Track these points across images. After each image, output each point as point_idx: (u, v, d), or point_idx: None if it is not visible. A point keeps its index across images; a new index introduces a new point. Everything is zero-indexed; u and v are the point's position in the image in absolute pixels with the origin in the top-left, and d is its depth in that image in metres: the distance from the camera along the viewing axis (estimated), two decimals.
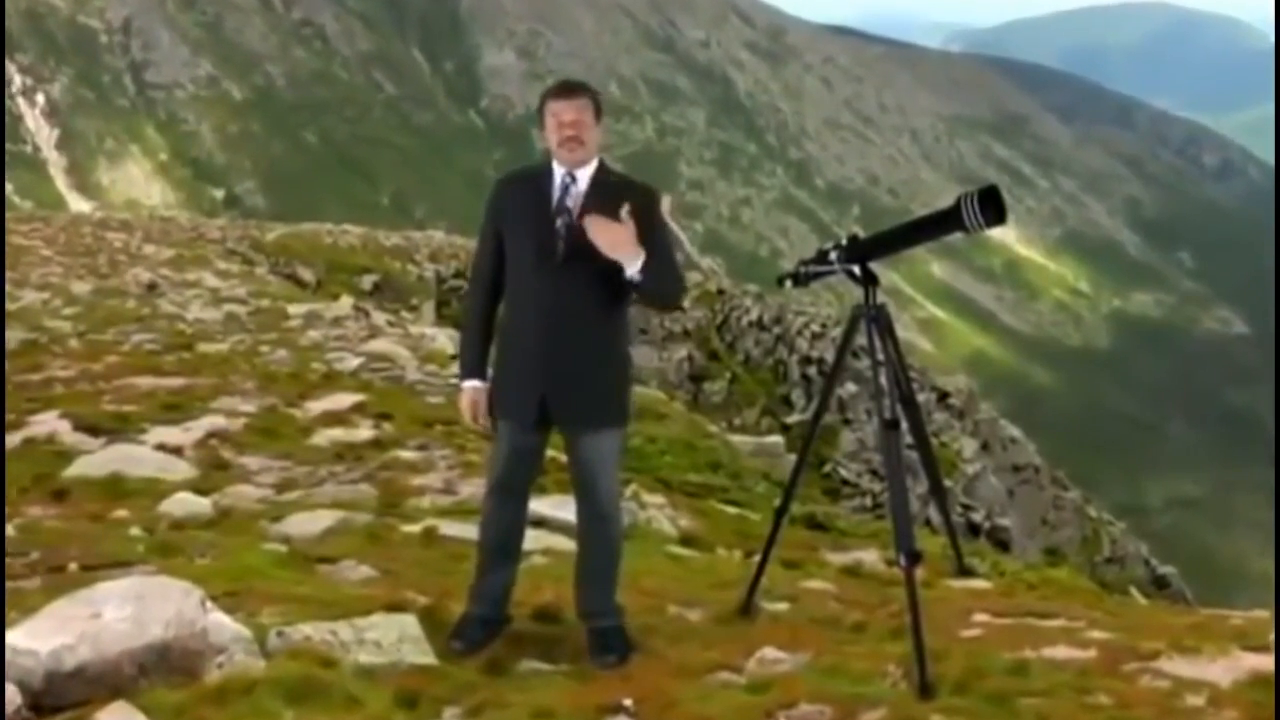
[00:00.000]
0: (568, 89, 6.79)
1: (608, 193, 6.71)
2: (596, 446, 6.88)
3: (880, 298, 6.90)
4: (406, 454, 13.86)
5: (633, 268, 6.56)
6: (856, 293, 6.89)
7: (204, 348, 21.61)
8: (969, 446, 46.20)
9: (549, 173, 6.78)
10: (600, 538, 7.02)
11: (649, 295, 6.79)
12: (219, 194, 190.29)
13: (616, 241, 6.53)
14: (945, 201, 6.69)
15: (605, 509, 6.98)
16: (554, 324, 6.66)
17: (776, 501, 8.36)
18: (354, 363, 20.80)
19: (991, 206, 6.29)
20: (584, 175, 6.75)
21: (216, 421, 14.73)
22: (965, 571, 10.64)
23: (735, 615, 7.70)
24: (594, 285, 6.68)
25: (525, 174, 6.97)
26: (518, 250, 6.77)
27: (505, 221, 6.81)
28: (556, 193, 6.74)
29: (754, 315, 53.08)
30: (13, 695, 5.04)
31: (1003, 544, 35.98)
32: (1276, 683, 6.22)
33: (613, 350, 6.84)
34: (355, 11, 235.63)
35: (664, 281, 6.78)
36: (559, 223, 6.69)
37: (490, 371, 6.97)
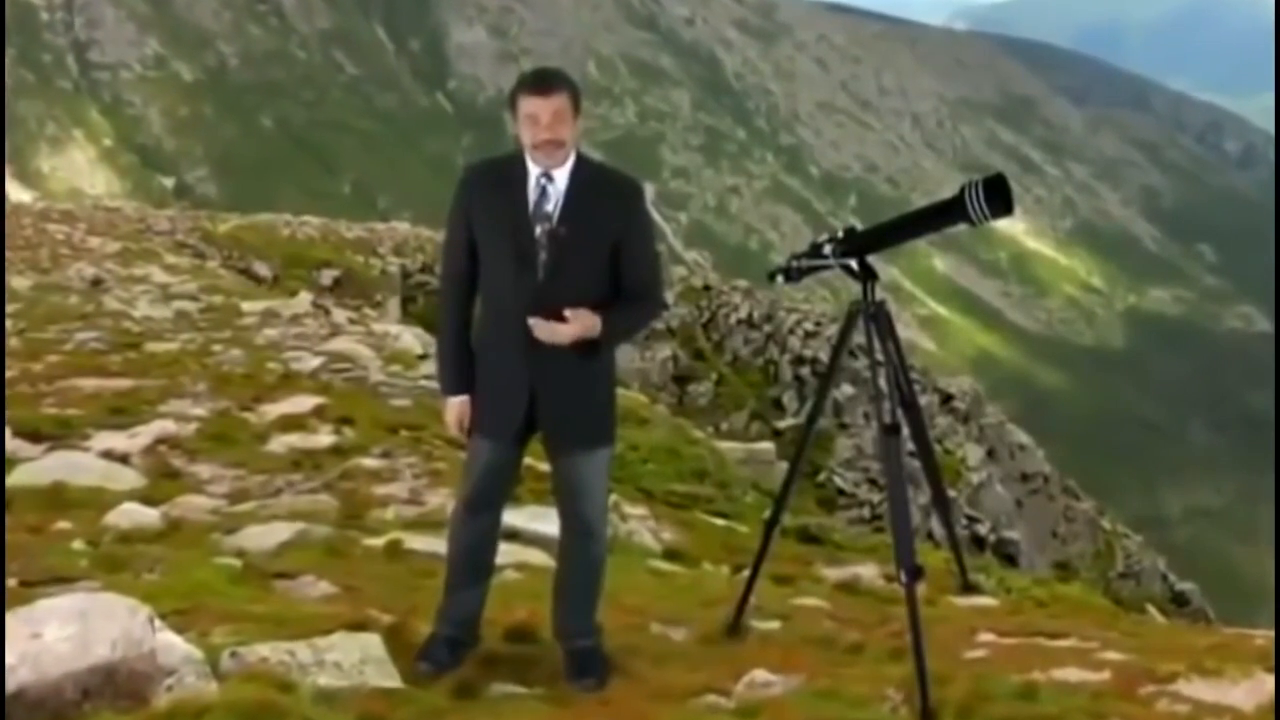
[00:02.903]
0: (543, 84, 6.58)
1: (589, 190, 6.62)
2: (589, 465, 6.85)
3: (879, 294, 6.93)
4: (369, 461, 13.86)
5: (595, 335, 6.58)
6: (853, 288, 6.91)
7: (152, 347, 21.57)
8: (974, 453, 46.33)
9: (522, 169, 6.64)
10: (583, 556, 6.99)
11: (626, 340, 6.86)
12: (168, 182, 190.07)
13: (569, 334, 6.52)
14: (948, 191, 6.72)
15: (592, 527, 6.95)
16: (529, 337, 6.56)
17: (767, 513, 8.37)
18: (313, 363, 20.78)
19: (998, 196, 6.31)
20: (561, 174, 6.61)
21: (166, 426, 14.70)
22: (970, 588, 10.67)
23: (723, 635, 7.72)
24: (578, 295, 6.58)
25: (496, 168, 6.79)
26: (494, 258, 6.65)
27: (477, 223, 6.68)
28: (533, 195, 6.61)
29: (743, 312, 53.17)
30: None
31: (1010, 558, 36.11)
32: (1277, 691, 6.26)
33: (600, 362, 6.79)
34: None
35: (635, 321, 6.93)
36: (539, 231, 6.57)
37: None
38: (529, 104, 6.53)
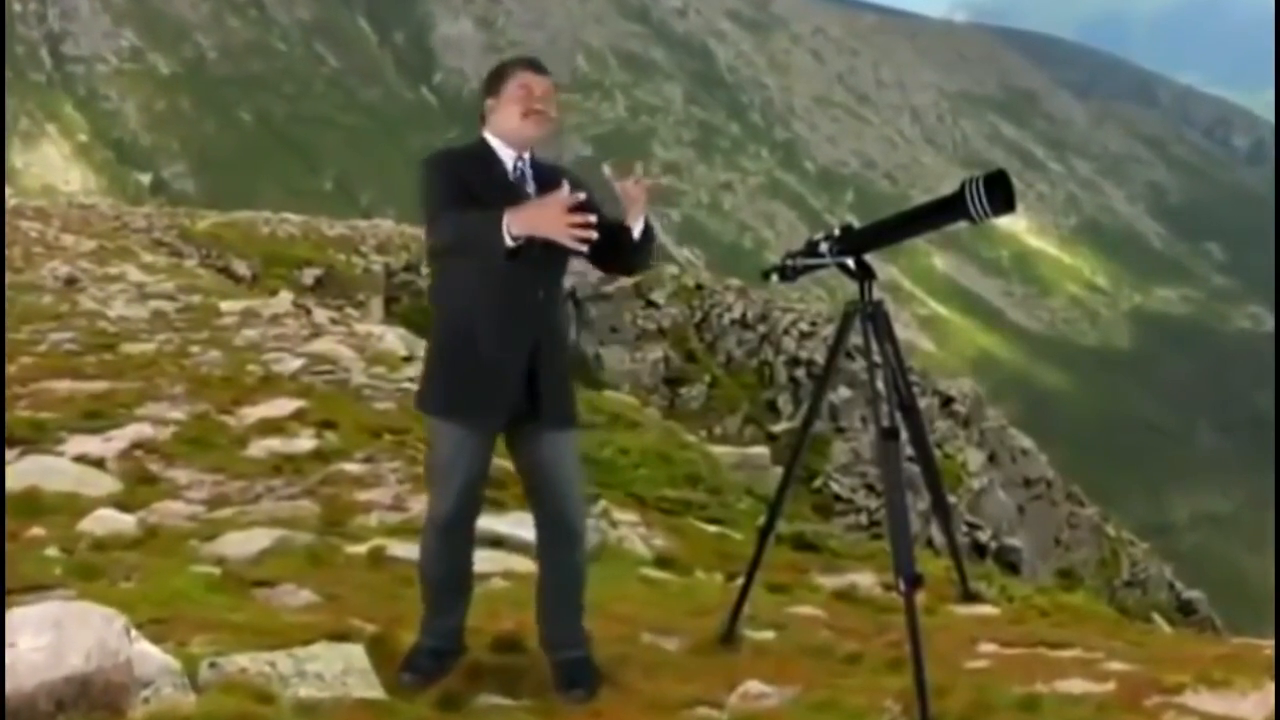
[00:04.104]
0: (539, 65, 6.86)
1: (548, 177, 6.73)
2: (569, 445, 6.90)
3: (877, 293, 6.93)
4: (351, 466, 13.83)
5: (638, 225, 6.68)
6: (850, 288, 6.90)
7: (128, 348, 21.53)
8: (975, 458, 46.30)
9: (493, 154, 6.77)
10: (569, 562, 6.98)
11: (641, 256, 6.88)
12: (144, 178, 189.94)
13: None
14: (948, 187, 6.71)
15: (576, 528, 6.96)
16: (531, 313, 6.65)
17: (761, 519, 8.36)
18: (294, 365, 20.73)
19: (999, 192, 6.30)
20: (527, 159, 6.81)
21: (142, 430, 14.68)
22: (971, 596, 10.66)
23: (716, 645, 7.71)
24: (558, 271, 6.86)
25: (468, 153, 6.87)
26: None
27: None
28: (512, 175, 6.74)
29: (736, 312, 53.13)
30: None
31: (1012, 566, 36.10)
32: (1277, 697, 6.26)
33: (567, 338, 6.95)
34: None
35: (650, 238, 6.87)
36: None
37: (437, 372, 6.91)
38: (525, 76, 6.76)
